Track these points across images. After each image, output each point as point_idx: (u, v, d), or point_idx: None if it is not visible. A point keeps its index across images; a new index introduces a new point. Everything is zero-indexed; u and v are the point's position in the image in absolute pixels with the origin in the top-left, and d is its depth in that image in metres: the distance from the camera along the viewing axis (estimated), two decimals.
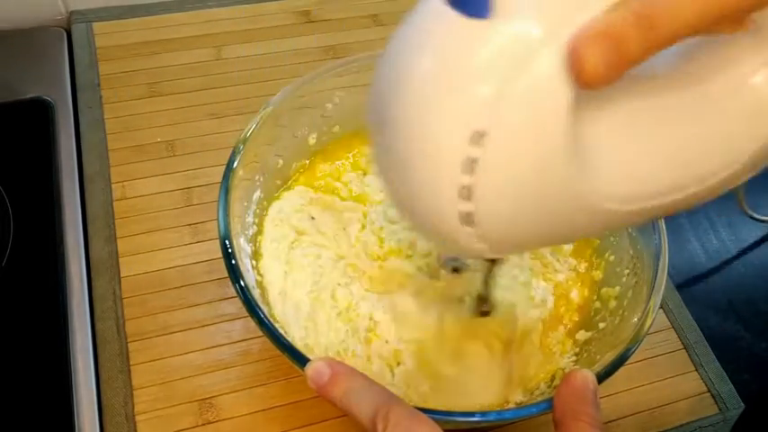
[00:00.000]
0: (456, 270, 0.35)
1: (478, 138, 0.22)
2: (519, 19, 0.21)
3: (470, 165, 0.22)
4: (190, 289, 0.49)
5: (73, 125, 0.57)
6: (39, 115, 0.57)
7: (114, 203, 0.52)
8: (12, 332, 0.45)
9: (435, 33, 0.23)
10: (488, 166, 0.22)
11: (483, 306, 0.37)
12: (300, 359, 0.33)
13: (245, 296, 0.36)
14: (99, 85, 0.60)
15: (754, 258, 0.58)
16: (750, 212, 0.56)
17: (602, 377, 0.34)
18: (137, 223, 0.52)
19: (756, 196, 0.56)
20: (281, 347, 0.34)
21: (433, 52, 0.23)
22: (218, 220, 0.39)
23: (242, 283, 0.37)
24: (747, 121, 0.25)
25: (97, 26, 0.64)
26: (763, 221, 0.58)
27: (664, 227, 0.41)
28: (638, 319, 0.38)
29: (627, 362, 0.36)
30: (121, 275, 0.49)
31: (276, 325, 0.37)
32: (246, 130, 0.42)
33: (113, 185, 0.53)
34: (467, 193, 0.23)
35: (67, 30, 0.64)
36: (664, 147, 0.25)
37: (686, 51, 0.25)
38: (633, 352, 0.36)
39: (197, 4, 0.67)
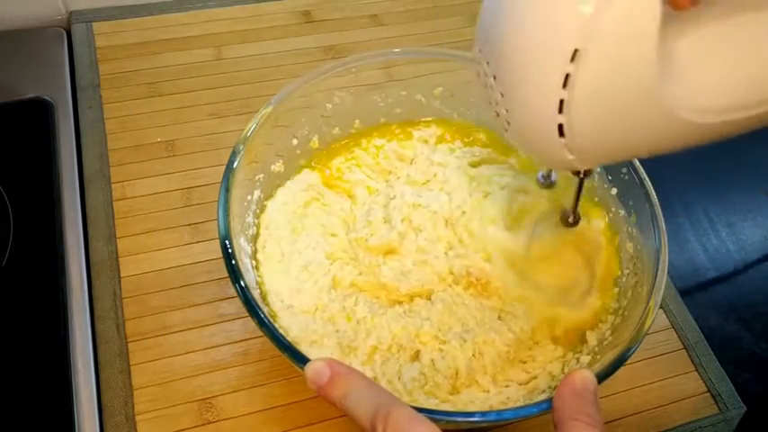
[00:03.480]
0: (548, 186, 0.38)
1: (575, 55, 0.24)
2: None
3: (567, 80, 0.25)
4: (190, 289, 0.49)
5: (73, 125, 0.57)
6: (39, 115, 0.57)
7: (114, 203, 0.52)
8: (12, 332, 0.45)
9: None
10: (582, 82, 0.25)
11: (571, 217, 0.39)
12: (300, 359, 0.33)
13: (245, 296, 0.36)
14: (99, 85, 0.60)
15: (755, 258, 0.58)
16: None
17: (602, 377, 0.34)
18: (137, 223, 0.52)
19: None
20: (281, 348, 0.34)
21: None
22: (218, 220, 0.39)
23: (242, 283, 0.37)
24: None
25: (97, 26, 0.64)
26: None
27: (664, 227, 0.41)
28: (638, 319, 0.38)
29: (627, 362, 0.36)
30: (121, 275, 0.49)
31: (276, 325, 0.37)
32: (246, 129, 0.42)
33: (113, 185, 0.53)
34: (561, 107, 0.26)
35: (67, 30, 0.64)
36: (746, 64, 0.27)
37: None
38: (633, 352, 0.36)
39: (197, 4, 0.67)
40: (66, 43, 0.63)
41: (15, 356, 0.44)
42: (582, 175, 0.35)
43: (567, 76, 0.25)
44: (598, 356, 0.40)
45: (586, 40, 0.24)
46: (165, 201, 0.53)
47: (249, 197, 0.44)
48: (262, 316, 0.36)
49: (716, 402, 0.48)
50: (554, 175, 0.39)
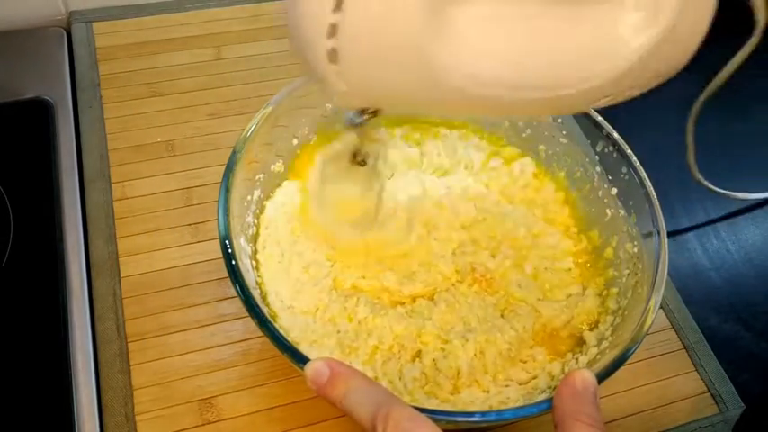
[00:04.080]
0: (355, 126, 0.37)
1: None
2: None
3: (338, 4, 0.25)
4: (190, 289, 0.49)
5: (73, 125, 0.57)
6: (39, 115, 0.57)
7: (114, 203, 0.52)
8: (12, 332, 0.45)
9: None
10: (351, 10, 0.25)
11: (358, 156, 0.39)
12: (300, 359, 0.33)
13: (245, 296, 0.36)
14: (99, 85, 0.60)
15: (755, 258, 0.58)
16: (705, 183, 0.55)
17: (602, 377, 0.34)
18: (137, 223, 0.52)
19: (712, 168, 0.56)
20: (281, 348, 0.34)
21: None
22: (218, 220, 0.39)
23: (242, 283, 0.37)
24: (603, 55, 0.28)
25: (97, 26, 0.64)
26: (717, 193, 0.57)
27: (664, 227, 0.41)
28: (638, 320, 0.38)
29: (627, 362, 0.36)
30: (121, 275, 0.49)
31: (276, 325, 0.37)
32: (246, 130, 0.42)
33: (113, 185, 0.53)
34: (333, 31, 0.25)
35: (67, 30, 0.64)
36: (520, 45, 0.27)
37: None
38: (633, 352, 0.36)
39: (197, 4, 0.67)
40: (67, 43, 0.63)
41: (15, 356, 0.44)
42: (369, 115, 0.35)
43: (339, 2, 0.25)
44: (598, 356, 0.40)
45: None
46: (165, 201, 0.53)
47: (249, 197, 0.44)
48: (262, 316, 0.36)
49: (716, 402, 0.48)
50: (361, 117, 0.38)
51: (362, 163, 0.39)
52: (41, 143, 0.55)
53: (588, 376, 0.32)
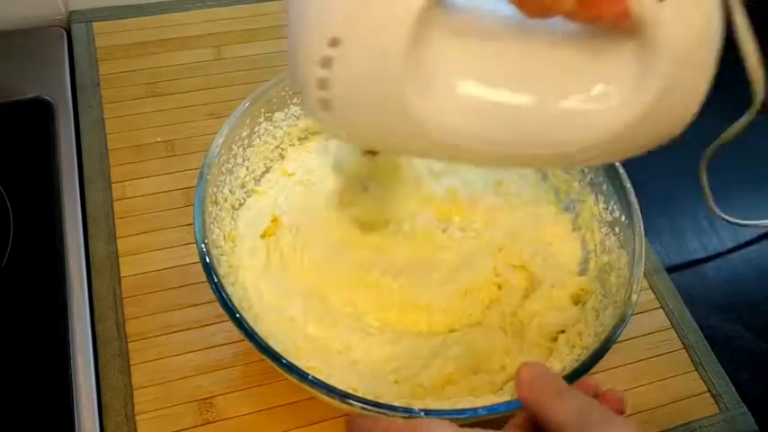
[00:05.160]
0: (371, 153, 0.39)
1: (335, 42, 0.27)
2: None
3: (327, 62, 0.28)
4: (190, 289, 0.49)
5: (73, 125, 0.57)
6: (39, 115, 0.57)
7: (114, 203, 0.52)
8: (12, 332, 0.45)
9: None
10: (338, 66, 0.28)
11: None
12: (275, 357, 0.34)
13: (223, 299, 0.37)
14: (99, 84, 0.60)
15: (754, 258, 0.58)
16: (720, 214, 0.55)
17: (590, 362, 0.35)
18: (137, 223, 0.52)
19: (727, 198, 0.55)
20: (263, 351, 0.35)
21: None
22: (194, 225, 0.39)
23: (217, 281, 0.37)
24: (575, 125, 0.29)
25: (97, 26, 0.64)
26: (734, 224, 0.57)
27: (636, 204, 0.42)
28: (623, 296, 0.38)
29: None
30: (121, 275, 0.49)
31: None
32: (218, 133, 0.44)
33: (113, 185, 0.53)
34: (323, 84, 0.28)
35: (67, 30, 0.64)
36: (495, 101, 0.29)
37: (573, 34, 0.29)
38: (621, 331, 0.37)
39: (197, 4, 0.67)
40: (66, 43, 0.63)
41: (15, 356, 0.44)
42: (369, 154, 0.38)
43: (329, 58, 0.27)
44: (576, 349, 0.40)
45: (342, 32, 0.27)
46: (165, 201, 0.53)
47: (225, 201, 0.44)
48: (238, 316, 0.36)
49: (716, 402, 0.48)
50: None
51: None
52: (41, 143, 0.55)
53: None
